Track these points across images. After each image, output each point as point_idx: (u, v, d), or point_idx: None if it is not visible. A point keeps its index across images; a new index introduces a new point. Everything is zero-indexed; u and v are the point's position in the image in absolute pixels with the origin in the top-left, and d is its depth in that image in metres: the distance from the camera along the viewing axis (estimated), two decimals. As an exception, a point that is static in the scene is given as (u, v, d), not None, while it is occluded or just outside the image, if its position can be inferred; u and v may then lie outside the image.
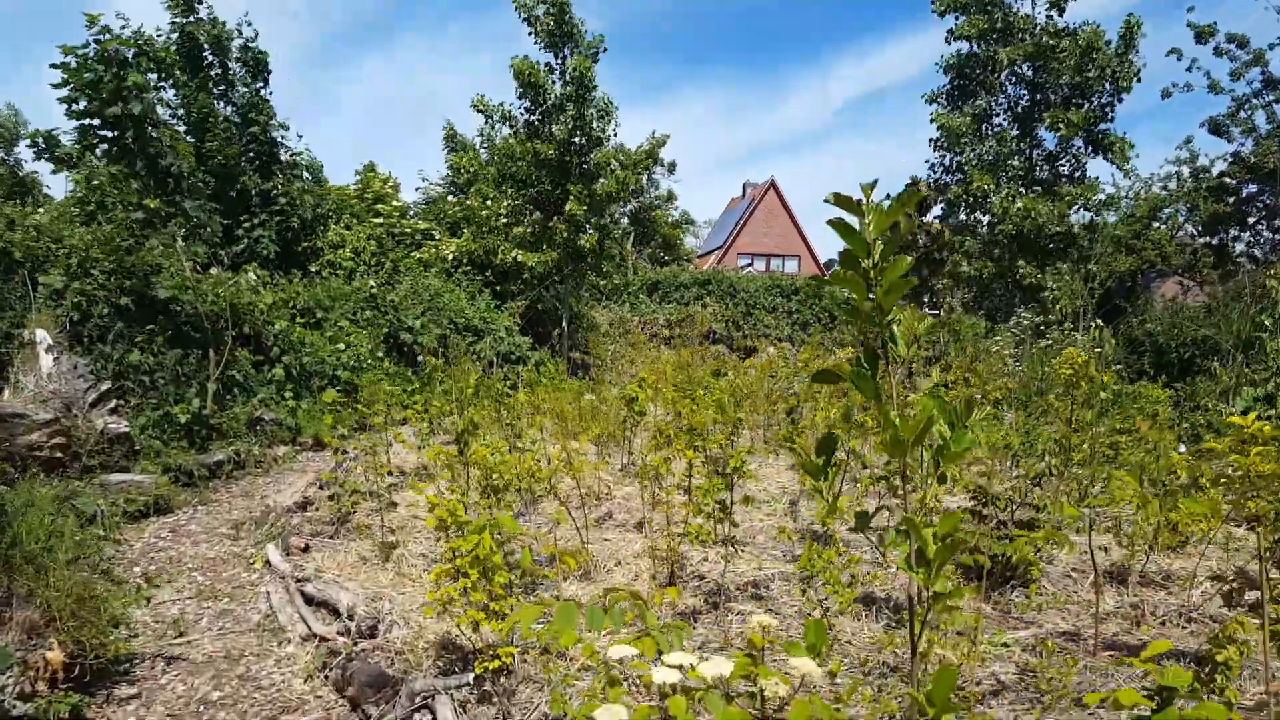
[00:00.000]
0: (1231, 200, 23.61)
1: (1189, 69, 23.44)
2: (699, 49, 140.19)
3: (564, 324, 16.83)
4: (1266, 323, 10.86)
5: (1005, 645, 4.54)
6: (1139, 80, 19.65)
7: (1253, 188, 23.87)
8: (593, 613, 2.44)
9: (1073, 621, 4.87)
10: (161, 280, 9.70)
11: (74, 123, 11.89)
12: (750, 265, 39.15)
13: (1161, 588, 5.37)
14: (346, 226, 16.41)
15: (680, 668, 1.62)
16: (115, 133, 11.78)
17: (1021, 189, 19.66)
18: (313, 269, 15.28)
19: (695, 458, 5.04)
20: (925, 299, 22.38)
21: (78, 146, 12.12)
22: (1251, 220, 23.94)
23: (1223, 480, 3.98)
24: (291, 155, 16.62)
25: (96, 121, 11.73)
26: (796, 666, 1.58)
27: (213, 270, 12.07)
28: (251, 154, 15.68)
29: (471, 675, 3.89)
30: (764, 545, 6.28)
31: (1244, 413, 9.01)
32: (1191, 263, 22.90)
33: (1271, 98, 23.02)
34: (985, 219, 20.34)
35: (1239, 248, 24.44)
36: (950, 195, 20.34)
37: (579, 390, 11.12)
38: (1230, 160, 23.26)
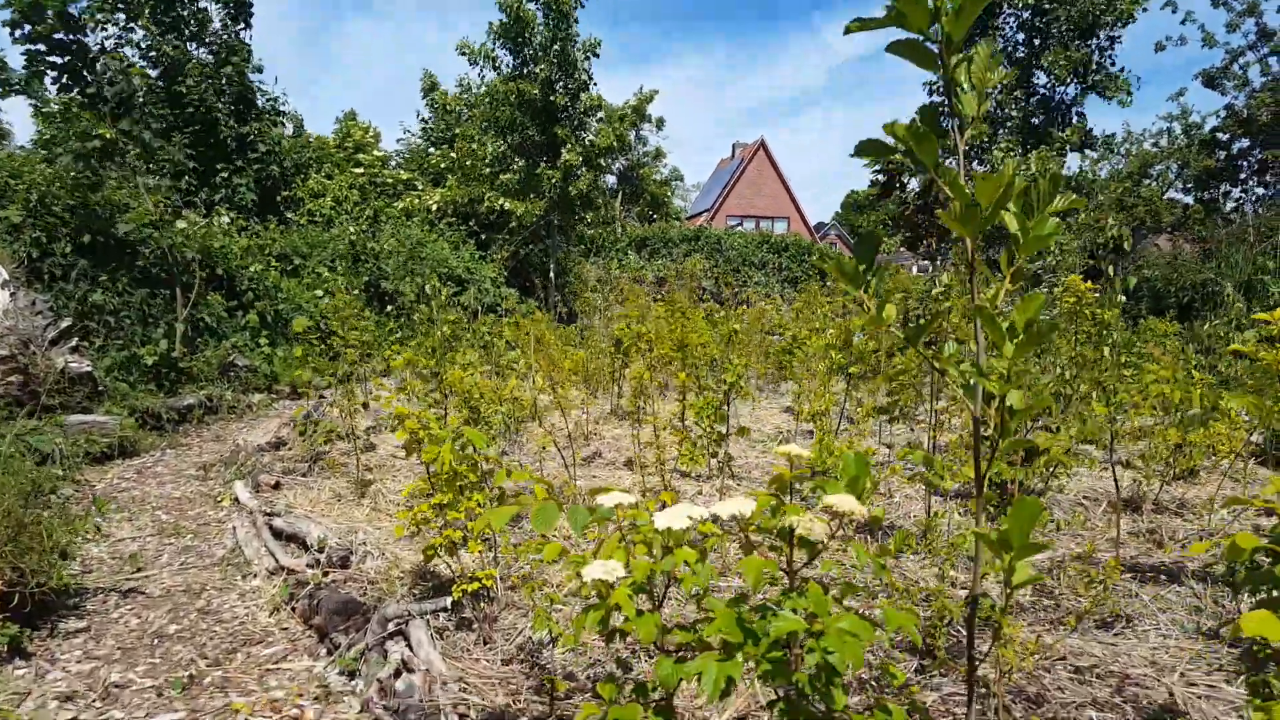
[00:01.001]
0: (1223, 156, 23.30)
1: (1183, 21, 23.03)
2: (691, 10, 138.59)
3: (551, 276, 16.42)
4: (1270, 265, 10.60)
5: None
6: (1145, 9, 19.15)
7: (1245, 142, 23.55)
8: (575, 512, 2.12)
9: (1084, 546, 4.59)
10: (125, 217, 9.24)
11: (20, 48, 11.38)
12: (739, 226, 38.68)
13: (1176, 515, 5.10)
14: (328, 176, 15.92)
15: (690, 518, 1.31)
16: (64, 59, 11.25)
17: (1015, 142, 19.24)
18: (292, 218, 14.81)
19: (688, 381, 4.70)
20: (920, 250, 22.05)
21: (24, 72, 11.59)
22: (1243, 176, 23.63)
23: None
24: (270, 101, 16.05)
25: (43, 47, 11.20)
26: (835, 505, 1.26)
27: (186, 213, 11.60)
28: (228, 98, 15.11)
29: (449, 600, 3.57)
30: (759, 480, 5.97)
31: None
32: (1182, 220, 22.61)
33: (1266, 50, 22.65)
34: (981, 169, 19.93)
35: (1229, 205, 24.17)
36: (947, 144, 19.88)
37: (567, 337, 10.76)
38: (1224, 115, 22.92)
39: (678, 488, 5.54)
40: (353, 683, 3.41)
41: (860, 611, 1.48)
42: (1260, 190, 22.71)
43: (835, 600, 1.27)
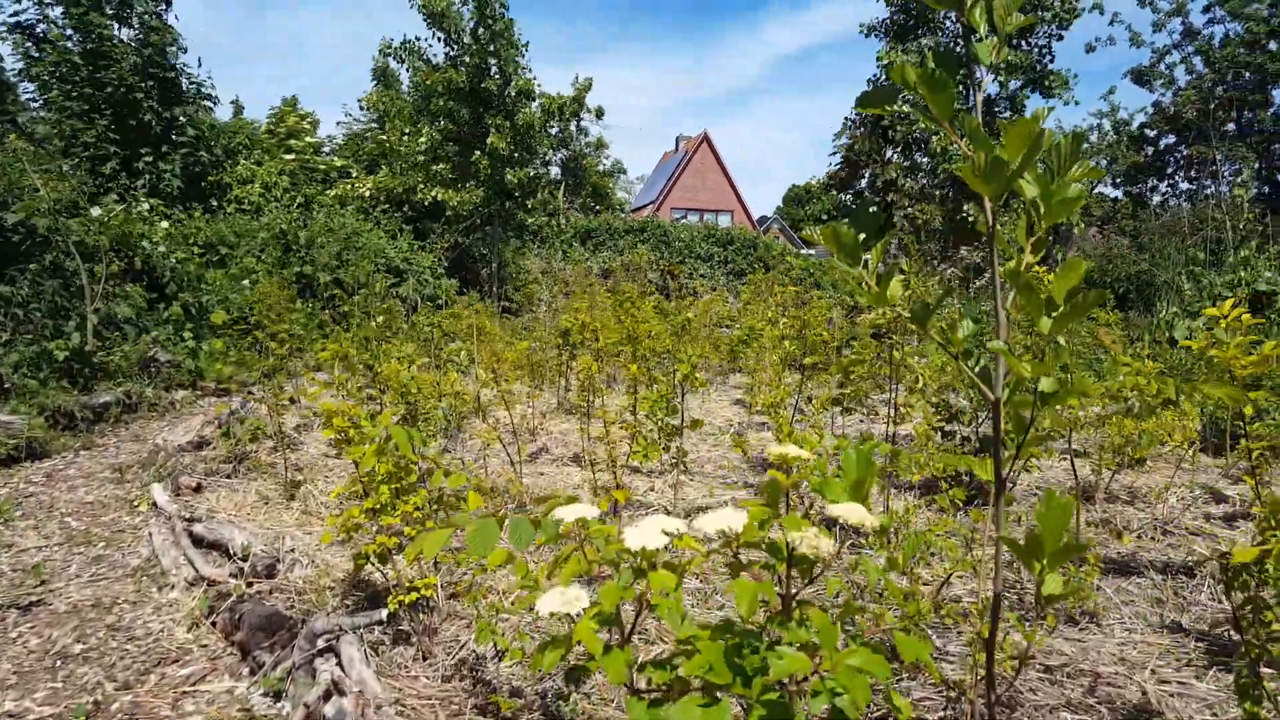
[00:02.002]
0: (1151, 152, 23.89)
1: (1111, 22, 23.60)
2: (631, 5, 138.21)
3: (494, 268, 16.03)
4: (1201, 256, 10.77)
5: (981, 562, 4.11)
6: (1092, 9, 19.50)
7: (1171, 138, 24.18)
8: (518, 527, 1.88)
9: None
10: (14, 207, 8.66)
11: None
12: (684, 218, 38.55)
13: (1128, 504, 5.05)
14: (257, 162, 15.30)
15: (666, 533, 1.08)
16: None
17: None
18: (219, 205, 14.19)
19: (639, 373, 4.47)
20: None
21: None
22: (1169, 171, 24.27)
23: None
24: (195, 85, 15.36)
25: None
26: (844, 516, 1.05)
27: (104, 199, 10.98)
28: (152, 81, 14.39)
29: (385, 612, 3.28)
30: (712, 474, 5.78)
31: (1173, 341, 8.84)
32: (1111, 214, 23.10)
33: (1191, 49, 23.24)
34: (926, 162, 20.06)
35: (1155, 199, 24.81)
36: (895, 136, 19.95)
37: (511, 329, 10.44)
38: (1151, 112, 23.50)
39: (629, 484, 5.31)
40: (279, 705, 3.11)
41: (868, 637, 1.26)
42: (1186, 185, 23.33)
43: (838, 626, 1.06)
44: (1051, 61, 19.98)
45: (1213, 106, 21.50)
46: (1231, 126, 22.41)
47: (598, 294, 8.17)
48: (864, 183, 21.24)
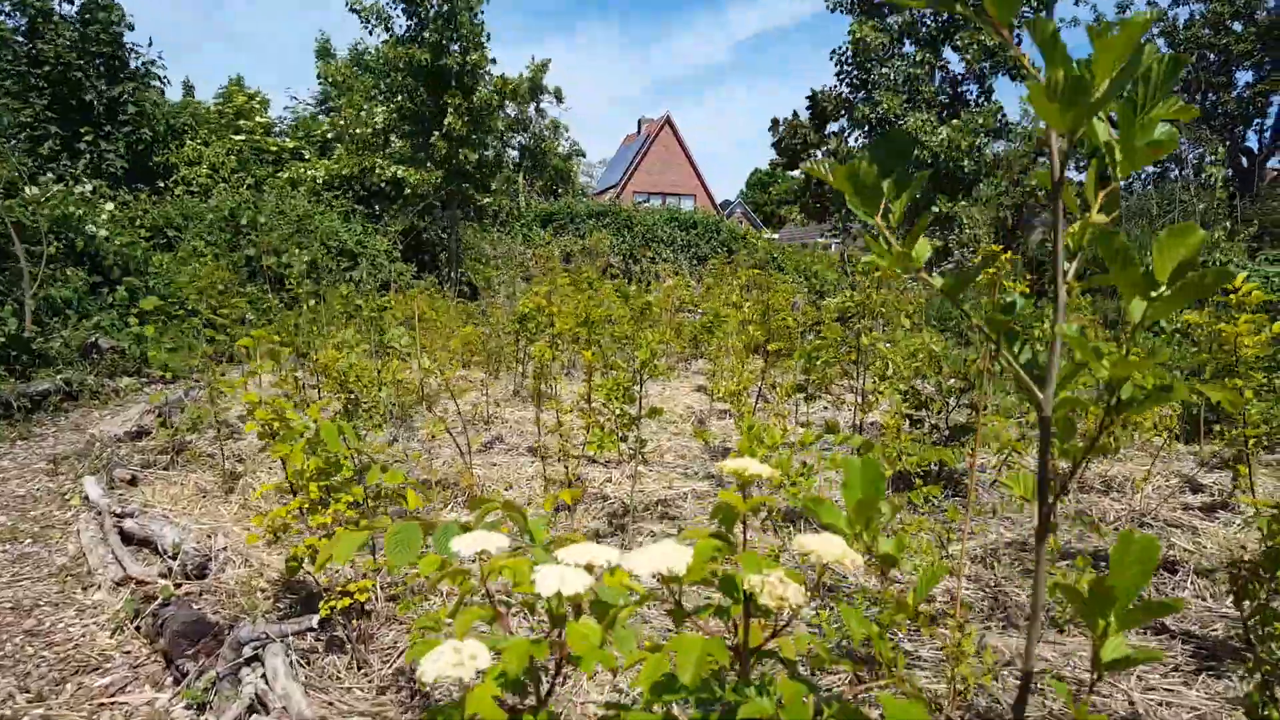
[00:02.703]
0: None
1: (1077, 3, 23.67)
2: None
3: (452, 250, 15.68)
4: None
5: (950, 557, 3.99)
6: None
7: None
8: (443, 531, 1.69)
9: (1017, 531, 4.36)
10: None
11: None
12: (646, 202, 38.23)
13: (1103, 494, 4.95)
14: (205, 143, 14.81)
15: (590, 568, 0.88)
16: None
17: (933, 116, 19.23)
18: (164, 185, 13.71)
19: (594, 359, 4.27)
20: (827, 224, 22.04)
21: None
22: (1136, 156, 24.37)
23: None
24: (145, 63, 14.81)
25: None
26: (818, 553, 0.84)
27: (42, 179, 10.53)
28: (94, 58, 13.84)
29: (316, 619, 3.07)
30: (672, 464, 5.61)
31: (1150, 327, 8.81)
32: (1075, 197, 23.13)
33: (1156, 30, 23.35)
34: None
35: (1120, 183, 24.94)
36: (857, 115, 19.77)
37: (467, 314, 10.17)
38: (1113, 96, 23.56)
39: (586, 475, 5.13)
40: (202, 718, 2.90)
41: (847, 697, 1.05)
42: (1150, 168, 23.47)
43: (805, 685, 0.86)
44: (1019, 44, 19.91)
45: (1177, 90, 21.56)
46: (1195, 109, 22.51)
47: (559, 278, 7.92)
48: (829, 150, 21.01)
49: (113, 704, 3.10)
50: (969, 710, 2.62)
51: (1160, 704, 2.65)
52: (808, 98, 21.37)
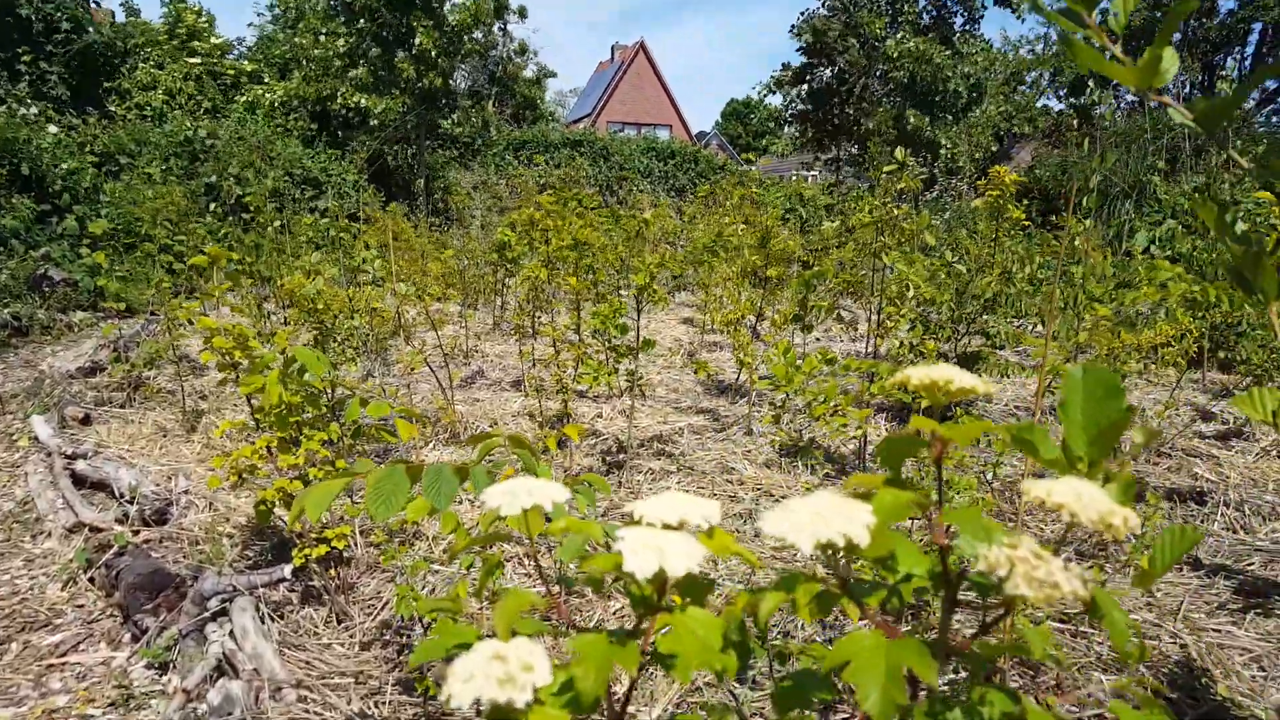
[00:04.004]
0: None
1: (1066, -74, 22.96)
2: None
3: (421, 182, 15.07)
4: (1160, 165, 10.50)
5: (960, 493, 3.75)
6: None
7: (1117, 48, 23.91)
8: (435, 476, 1.38)
9: (1028, 464, 4.12)
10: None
11: None
12: (621, 132, 37.35)
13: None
14: (159, 66, 14.01)
15: (694, 523, 0.58)
16: None
17: (912, 35, 18.66)
18: (118, 112, 12.97)
19: (583, 286, 3.94)
20: (829, 155, 21.57)
21: None
22: (1114, 82, 24.05)
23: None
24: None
25: None
26: (1067, 505, 0.55)
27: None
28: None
29: (289, 568, 2.77)
30: (664, 398, 5.33)
31: (1144, 250, 8.59)
32: (1054, 126, 22.86)
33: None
34: (879, 69, 19.35)
35: (1100, 109, 24.63)
36: (842, 43, 19.14)
37: (440, 244, 9.73)
38: (1098, 20, 23.14)
39: (575, 411, 4.83)
40: (165, 679, 2.61)
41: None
42: (1131, 96, 23.14)
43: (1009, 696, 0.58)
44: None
45: (1159, 15, 21.22)
46: (1176, 36, 22.22)
47: (543, 197, 7.47)
48: (826, 77, 20.35)
49: (64, 664, 2.80)
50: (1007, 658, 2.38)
51: (1217, 645, 2.44)
52: (810, 25, 20.38)
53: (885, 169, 4.13)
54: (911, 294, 3.81)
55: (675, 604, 0.63)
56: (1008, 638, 0.64)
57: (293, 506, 1.25)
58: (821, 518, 0.56)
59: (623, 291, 6.63)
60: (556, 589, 0.70)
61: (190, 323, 4.33)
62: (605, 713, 0.67)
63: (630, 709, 2.24)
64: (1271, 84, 23.21)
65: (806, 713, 0.66)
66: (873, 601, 0.63)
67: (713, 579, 0.67)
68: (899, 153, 4.01)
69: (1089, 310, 3.33)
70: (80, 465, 4.15)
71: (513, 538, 3.35)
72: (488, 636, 0.69)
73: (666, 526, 0.64)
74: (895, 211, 4.08)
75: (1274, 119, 22.65)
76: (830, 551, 0.57)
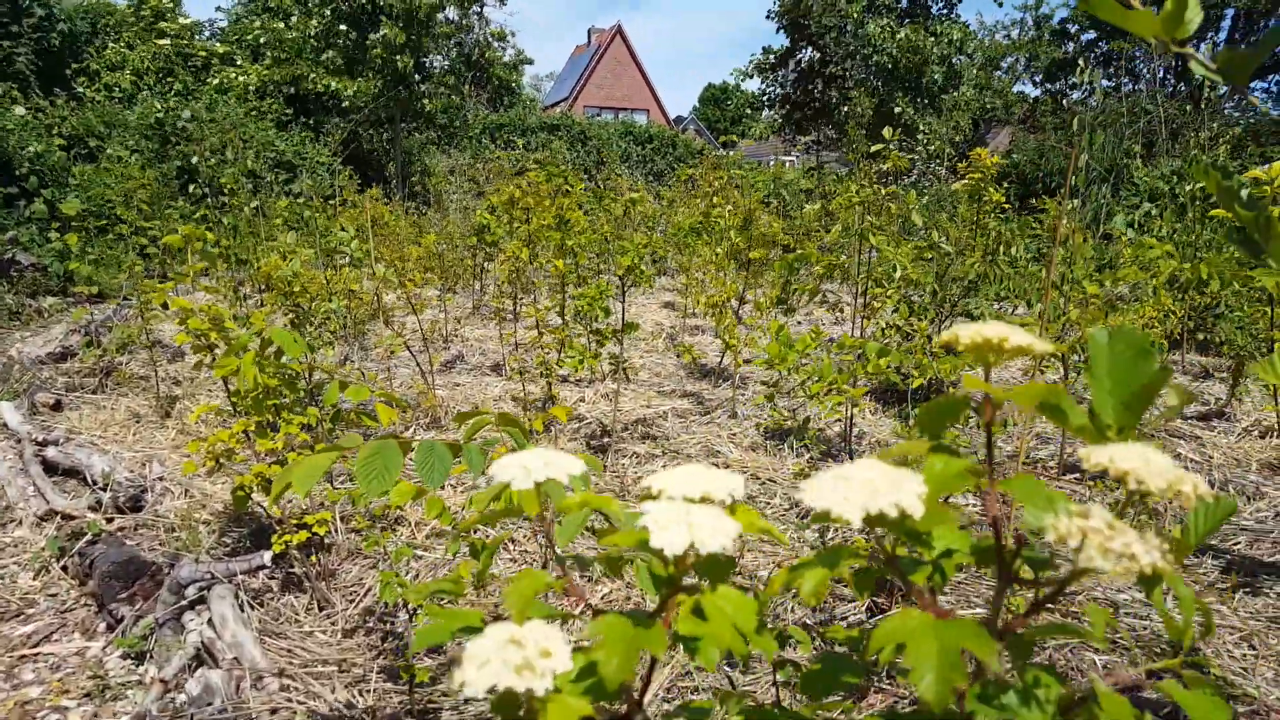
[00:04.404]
0: (1071, 48, 23.73)
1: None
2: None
3: (397, 164, 14.87)
4: (1136, 149, 10.56)
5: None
6: None
7: (1092, 34, 24.05)
8: (429, 451, 1.35)
9: (1015, 445, 4.13)
10: None
11: None
12: (598, 116, 37.11)
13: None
14: (128, 46, 13.73)
15: (719, 499, 0.53)
16: None
17: (892, 20, 18.61)
18: (86, 94, 12.69)
19: (566, 269, 3.88)
20: (808, 138, 21.49)
21: None
22: (1091, 67, 24.17)
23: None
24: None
25: None
26: (1133, 471, 0.50)
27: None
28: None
29: (269, 555, 2.71)
30: (648, 382, 5.29)
31: (1124, 233, 8.64)
32: (1030, 112, 22.94)
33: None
34: (860, 53, 19.25)
35: (1075, 95, 24.73)
36: (821, 25, 19.05)
37: (419, 226, 9.61)
38: (1072, 6, 23.22)
39: (559, 396, 4.78)
40: (141, 669, 2.54)
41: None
42: (1105, 82, 23.26)
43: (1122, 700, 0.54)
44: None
45: None
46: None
47: (529, 174, 7.33)
48: (801, 60, 20.23)
49: (36, 655, 2.73)
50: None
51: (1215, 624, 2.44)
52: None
53: (873, 148, 4.10)
54: (899, 274, 3.78)
55: (697, 583, 0.59)
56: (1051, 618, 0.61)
57: (275, 482, 1.20)
58: (872, 488, 0.52)
59: (603, 275, 6.57)
60: (569, 569, 0.65)
61: (165, 306, 4.22)
62: (624, 700, 0.62)
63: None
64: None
65: (833, 699, 0.62)
66: (919, 578, 0.60)
67: (732, 556, 0.62)
68: (887, 131, 3.98)
69: (1076, 290, 3.32)
70: (51, 452, 4.05)
71: (498, 524, 3.31)
72: (490, 621, 0.65)
73: (689, 501, 0.60)
74: (882, 191, 4.05)
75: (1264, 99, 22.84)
76: (882, 520, 0.53)
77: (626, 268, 3.60)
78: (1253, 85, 23.69)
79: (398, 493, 1.80)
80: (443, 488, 3.52)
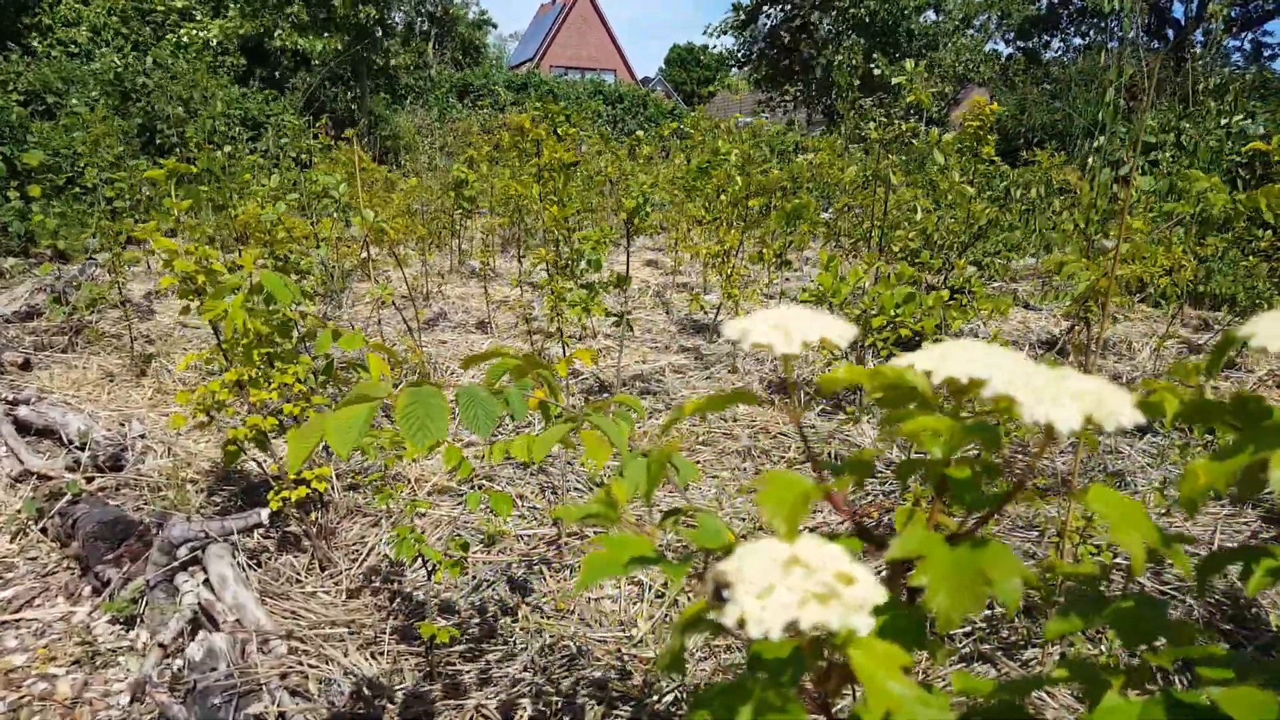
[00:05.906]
0: (1044, 4, 23.62)
1: None
2: None
3: (364, 124, 14.48)
4: (1120, 104, 10.50)
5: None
6: None
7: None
8: (471, 398, 1.22)
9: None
10: None
11: None
12: (565, 76, 36.48)
13: (1101, 358, 4.69)
14: (83, 1, 13.19)
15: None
16: None
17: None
18: (40, 49, 12.18)
19: (565, 214, 3.72)
20: (783, 96, 21.28)
21: None
22: (1063, 24, 24.10)
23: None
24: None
25: None
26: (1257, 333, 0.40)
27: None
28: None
29: (266, 512, 2.57)
30: (640, 338, 5.17)
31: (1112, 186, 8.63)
32: (1003, 70, 22.87)
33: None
34: (835, 6, 18.98)
35: (1048, 54, 24.68)
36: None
37: (391, 182, 9.34)
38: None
39: (551, 351, 4.65)
40: (132, 634, 2.41)
41: None
42: (1079, 40, 23.22)
43: None
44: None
45: None
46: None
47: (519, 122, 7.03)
48: (777, 16, 19.97)
49: (18, 621, 2.58)
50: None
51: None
52: None
53: (896, 79, 3.97)
54: (920, 217, 3.67)
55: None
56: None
57: (301, 436, 1.06)
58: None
59: (588, 226, 6.41)
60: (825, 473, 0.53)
61: (139, 243, 4.01)
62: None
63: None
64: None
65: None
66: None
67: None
68: (908, 64, 3.85)
69: (1100, 234, 3.23)
70: (23, 411, 3.86)
71: (495, 476, 3.18)
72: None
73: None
74: (904, 127, 3.93)
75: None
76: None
77: (631, 210, 3.45)
78: (1242, 36, 23.73)
79: (413, 447, 1.67)
80: (430, 457, 3.39)
